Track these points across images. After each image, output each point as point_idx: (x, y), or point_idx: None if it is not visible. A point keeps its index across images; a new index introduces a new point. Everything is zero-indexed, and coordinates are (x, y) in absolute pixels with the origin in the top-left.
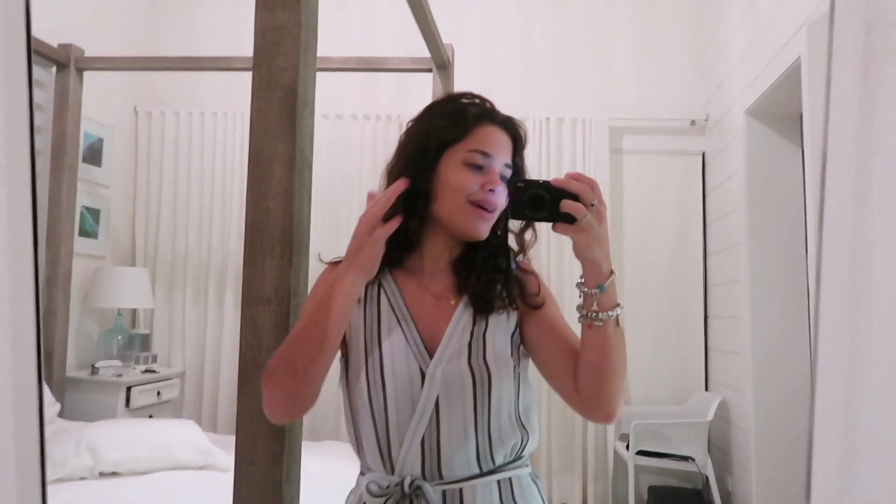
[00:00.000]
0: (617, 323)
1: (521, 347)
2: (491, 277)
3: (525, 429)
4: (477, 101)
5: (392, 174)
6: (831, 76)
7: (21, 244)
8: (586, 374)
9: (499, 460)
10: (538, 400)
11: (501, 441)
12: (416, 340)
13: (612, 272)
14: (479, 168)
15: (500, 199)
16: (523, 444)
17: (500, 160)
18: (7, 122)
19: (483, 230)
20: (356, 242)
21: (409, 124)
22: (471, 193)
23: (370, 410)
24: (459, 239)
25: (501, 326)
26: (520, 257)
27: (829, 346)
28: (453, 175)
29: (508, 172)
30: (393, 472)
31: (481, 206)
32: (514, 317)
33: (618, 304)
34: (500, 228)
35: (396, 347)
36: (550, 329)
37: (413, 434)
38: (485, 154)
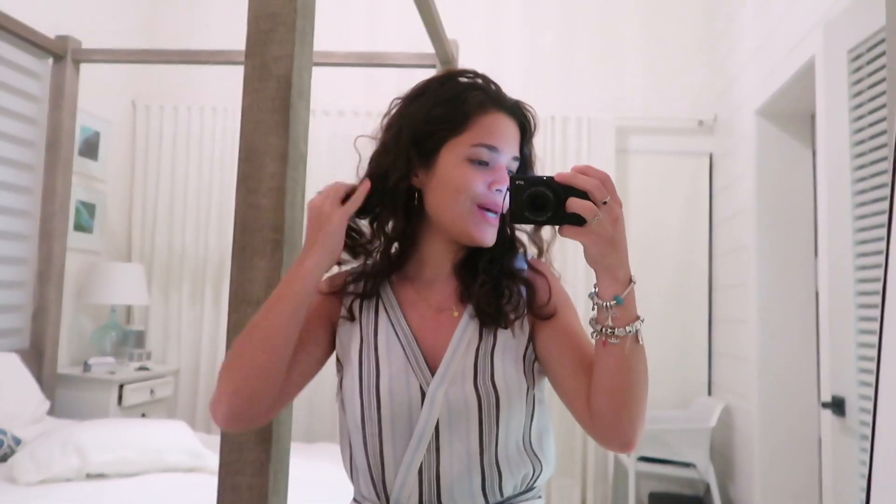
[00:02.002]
0: (637, 339)
1: (536, 365)
2: (496, 284)
3: (538, 458)
4: (480, 81)
5: (380, 166)
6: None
7: None
8: (601, 398)
9: (508, 492)
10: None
11: (511, 472)
12: (418, 356)
13: (630, 280)
14: (484, 164)
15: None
16: (535, 474)
17: (508, 153)
18: None
19: (490, 236)
20: (314, 224)
21: (398, 104)
22: (477, 194)
23: (362, 433)
24: (462, 244)
25: (511, 342)
26: (531, 255)
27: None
28: (456, 173)
29: (516, 165)
30: (388, 502)
31: (488, 209)
32: (526, 328)
33: (638, 318)
34: (506, 226)
35: (395, 364)
36: (563, 339)
37: (410, 462)
38: (491, 148)
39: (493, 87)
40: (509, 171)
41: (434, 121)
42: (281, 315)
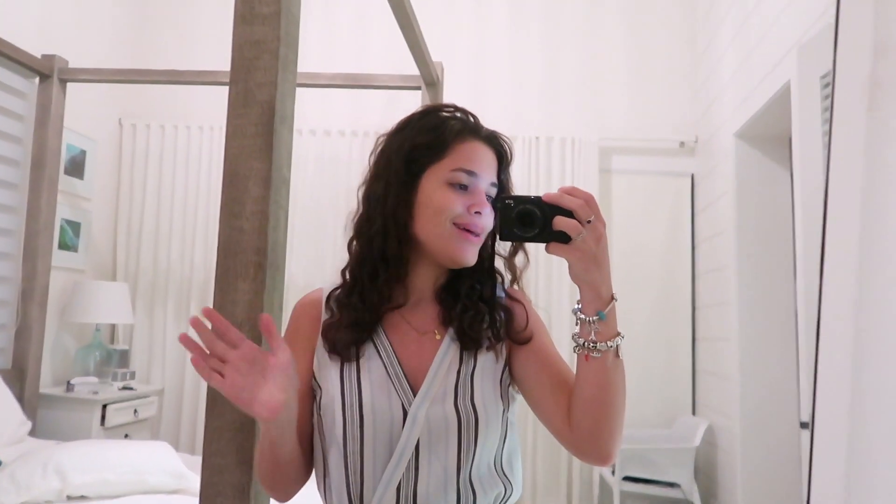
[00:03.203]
0: (617, 354)
1: (511, 388)
2: (477, 310)
3: (508, 479)
4: (459, 114)
5: (370, 195)
6: (834, 104)
7: None
8: (581, 411)
9: None
10: (522, 421)
11: (484, 491)
12: (399, 376)
13: (612, 297)
14: (463, 188)
15: (487, 220)
16: (507, 495)
17: (486, 178)
18: None
19: (470, 255)
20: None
21: (384, 139)
22: (456, 216)
23: (343, 450)
24: (444, 266)
25: (490, 365)
26: (507, 284)
27: (830, 369)
28: (436, 196)
29: (494, 191)
30: None
31: (468, 230)
32: (503, 352)
33: (618, 334)
34: (486, 253)
35: (377, 383)
36: (540, 360)
37: (388, 480)
38: (469, 173)
39: (472, 118)
40: (488, 196)
41: (416, 149)
42: (273, 457)
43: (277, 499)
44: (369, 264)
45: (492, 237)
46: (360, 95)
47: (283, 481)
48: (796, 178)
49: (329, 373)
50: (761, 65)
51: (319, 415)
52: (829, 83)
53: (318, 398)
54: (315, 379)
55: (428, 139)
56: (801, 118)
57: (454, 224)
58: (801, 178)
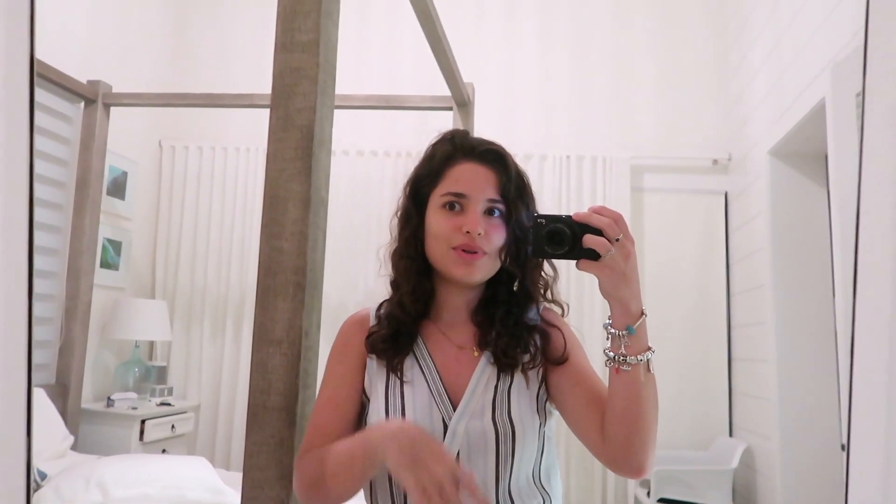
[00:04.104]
0: (648, 369)
1: (547, 404)
2: (512, 335)
3: (546, 491)
4: (449, 138)
5: (399, 225)
6: (864, 126)
7: (15, 260)
8: (614, 425)
9: None
10: (557, 441)
11: (523, 503)
12: (441, 391)
13: (642, 313)
14: (456, 210)
15: (487, 239)
16: None
17: (480, 197)
18: (7, 138)
19: (468, 274)
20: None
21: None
22: (450, 238)
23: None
24: (466, 286)
25: (526, 383)
26: (542, 307)
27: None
28: (433, 221)
29: (500, 207)
30: None
31: (463, 250)
32: (540, 371)
33: (649, 348)
34: (519, 275)
35: (419, 397)
36: (575, 377)
37: None
38: (457, 195)
39: (461, 140)
40: (493, 212)
41: (418, 179)
42: (353, 477)
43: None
44: (403, 286)
45: (523, 259)
46: (392, 116)
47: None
48: (833, 195)
49: (377, 387)
50: (795, 82)
51: (366, 425)
52: (861, 102)
53: (366, 411)
54: (365, 392)
55: (425, 169)
56: (837, 135)
57: (451, 247)
58: (837, 196)
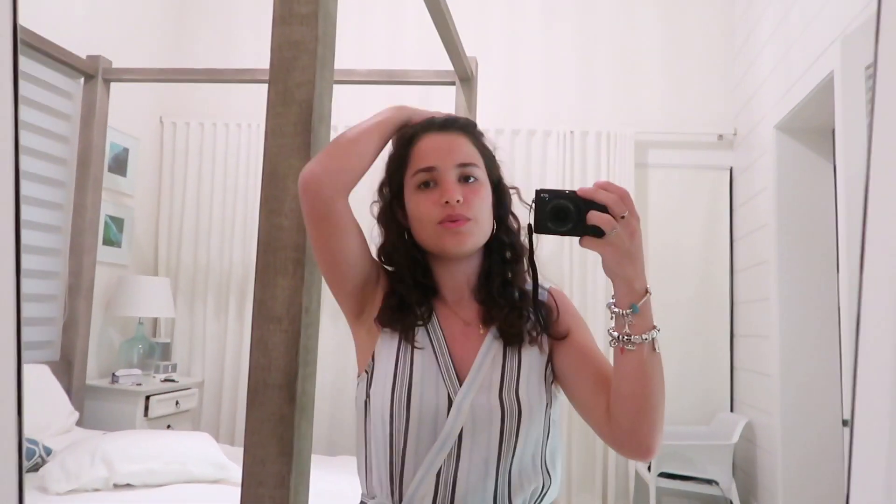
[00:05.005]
0: (654, 348)
1: (553, 385)
2: (514, 307)
3: (549, 474)
4: (416, 122)
5: (383, 224)
6: (876, 96)
7: (2, 234)
8: (619, 406)
9: None
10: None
11: (521, 485)
12: (448, 365)
13: (646, 291)
14: (430, 185)
15: (468, 206)
16: (544, 490)
17: (449, 164)
18: None
19: (459, 244)
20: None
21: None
22: (432, 215)
23: (388, 433)
24: (460, 261)
25: (535, 360)
26: (548, 283)
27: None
28: (412, 204)
29: (474, 170)
30: (401, 502)
31: (449, 221)
32: (546, 348)
33: (654, 327)
34: (501, 239)
35: (428, 368)
36: (580, 356)
37: (430, 464)
38: (427, 169)
39: (429, 119)
40: (466, 178)
41: (391, 168)
42: (367, 134)
43: (321, 176)
44: (406, 278)
45: (517, 235)
46: (395, 91)
47: (349, 165)
48: (840, 170)
49: (388, 352)
50: (803, 56)
51: (369, 393)
52: (873, 74)
53: (370, 374)
54: (373, 358)
55: (393, 157)
56: (845, 109)
57: (436, 223)
58: (844, 171)
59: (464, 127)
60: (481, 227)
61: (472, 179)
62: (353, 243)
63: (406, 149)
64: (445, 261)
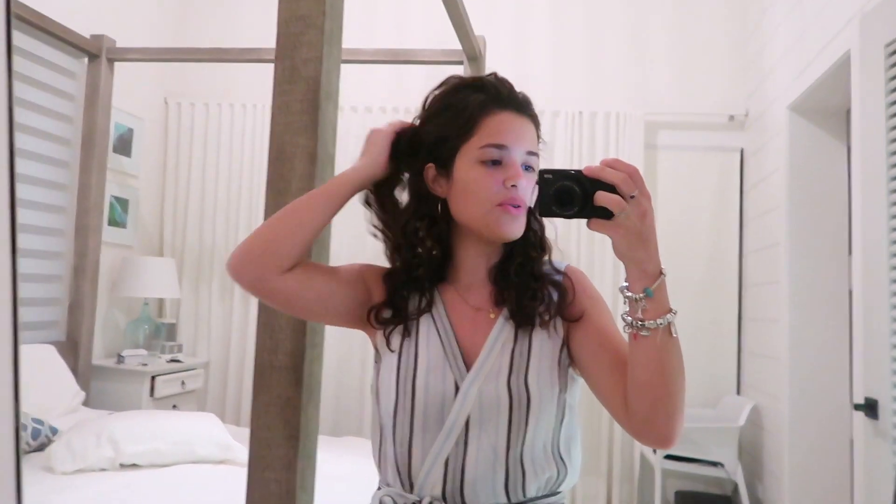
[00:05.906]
0: (670, 332)
1: (570, 370)
2: (528, 286)
3: (564, 462)
4: (479, 84)
5: (413, 179)
6: None
7: None
8: (635, 394)
9: (531, 492)
10: None
11: (535, 473)
12: (455, 353)
13: (661, 273)
14: (496, 163)
15: (526, 193)
16: (560, 478)
17: (520, 148)
18: None
19: (516, 229)
20: (366, 143)
21: (417, 121)
22: (493, 194)
23: (394, 422)
24: (493, 244)
25: (547, 345)
26: (565, 263)
27: None
28: (471, 177)
29: (535, 161)
30: (412, 491)
31: (509, 204)
32: (560, 331)
33: (669, 310)
34: (533, 229)
35: (434, 357)
36: (598, 339)
37: (437, 453)
38: (499, 147)
39: (496, 87)
40: (528, 167)
41: (443, 131)
42: (312, 198)
43: (247, 264)
44: (423, 252)
45: (539, 219)
46: (402, 71)
47: (279, 246)
48: (855, 151)
49: (392, 344)
50: (819, 36)
51: (378, 380)
52: (895, 51)
53: (378, 369)
54: (377, 350)
55: (452, 120)
56: (862, 88)
57: (494, 203)
58: (860, 152)
59: (533, 117)
60: (525, 215)
61: (530, 169)
62: (321, 296)
63: (472, 114)
64: (474, 241)
